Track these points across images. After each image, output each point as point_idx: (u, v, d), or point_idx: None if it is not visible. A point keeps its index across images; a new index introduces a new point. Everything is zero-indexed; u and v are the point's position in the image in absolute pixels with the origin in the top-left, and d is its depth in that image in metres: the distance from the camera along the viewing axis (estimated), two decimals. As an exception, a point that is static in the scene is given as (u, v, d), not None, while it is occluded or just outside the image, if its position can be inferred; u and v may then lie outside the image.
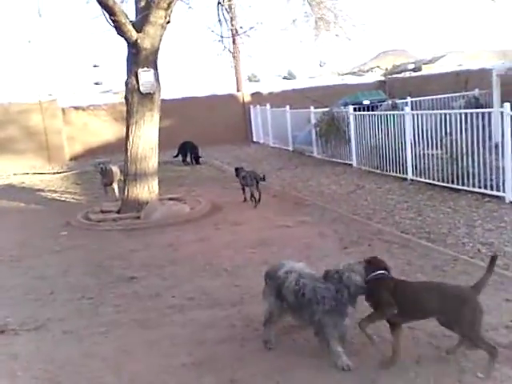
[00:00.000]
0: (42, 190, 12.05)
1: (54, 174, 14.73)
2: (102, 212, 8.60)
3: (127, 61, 8.38)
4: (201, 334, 3.93)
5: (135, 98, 8.24)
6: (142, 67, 8.18)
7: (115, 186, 9.77)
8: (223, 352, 3.59)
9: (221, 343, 3.73)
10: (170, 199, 9.02)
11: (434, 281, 3.28)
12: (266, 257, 5.64)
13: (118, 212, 8.41)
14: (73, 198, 10.85)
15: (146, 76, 8.21)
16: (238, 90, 20.81)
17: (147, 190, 8.33)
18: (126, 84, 8.30)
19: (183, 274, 5.42)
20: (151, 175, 8.38)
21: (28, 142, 16.72)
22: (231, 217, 7.85)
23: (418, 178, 9.06)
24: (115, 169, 9.82)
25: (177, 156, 14.82)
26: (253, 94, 19.68)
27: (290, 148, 15.38)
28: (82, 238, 7.35)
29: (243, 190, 8.79)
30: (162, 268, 5.67)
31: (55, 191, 11.85)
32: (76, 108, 18.00)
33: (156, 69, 8.40)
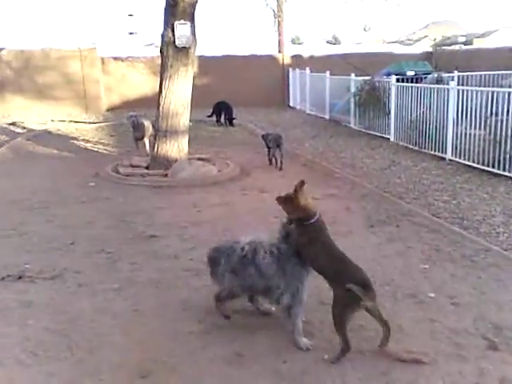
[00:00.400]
0: (76, 139, 12.14)
1: (90, 123, 14.79)
2: (131, 166, 8.58)
3: (164, 12, 8.10)
4: (213, 301, 3.85)
5: (170, 52, 8.03)
6: (179, 20, 7.90)
7: (146, 140, 9.68)
8: (233, 323, 3.51)
9: (232, 313, 3.63)
10: (199, 159, 8.89)
11: (348, 258, 3.08)
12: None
13: (147, 168, 8.37)
14: (105, 149, 10.88)
15: (182, 29, 7.94)
16: (279, 52, 20.30)
17: (177, 148, 8.23)
18: (162, 36, 8.08)
19: (204, 236, 5.32)
20: (182, 133, 8.27)
21: (66, 90, 16.82)
22: (259, 183, 7.69)
23: (457, 159, 8.64)
24: (147, 123, 9.71)
25: (211, 116, 14.64)
26: (293, 57, 19.14)
27: (327, 116, 14.95)
28: (109, 190, 7.36)
29: (269, 152, 8.82)
30: (184, 229, 5.61)
31: (89, 141, 11.92)
32: (115, 58, 17.91)
33: (193, 22, 8.11)
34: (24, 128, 13.82)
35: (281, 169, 8.55)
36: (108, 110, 17.56)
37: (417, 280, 4.22)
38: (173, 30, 7.91)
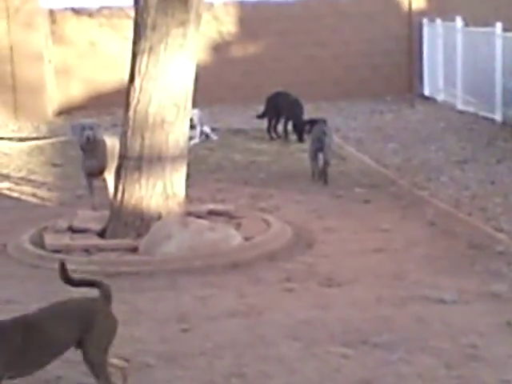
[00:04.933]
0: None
1: (19, 140, 15.35)
2: (72, 231, 8.67)
3: None
4: None
5: (152, 0, 8.30)
6: None
7: (108, 177, 9.59)
8: None
9: None
10: (210, 213, 8.95)
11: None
12: (367, 375, 5.10)
13: (102, 233, 8.53)
14: (34, 195, 11.19)
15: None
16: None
17: (161, 192, 8.37)
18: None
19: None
20: (172, 160, 8.47)
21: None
22: (326, 263, 7.62)
23: None
24: (113, 143, 9.64)
25: (261, 117, 14.95)
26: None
27: (498, 116, 14.91)
28: (14, 285, 7.26)
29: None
30: (145, 374, 5.37)
31: (8, 177, 12.35)
32: (77, 12, 18.50)
33: None
34: None
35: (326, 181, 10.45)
36: (60, 114, 18.00)
37: None
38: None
